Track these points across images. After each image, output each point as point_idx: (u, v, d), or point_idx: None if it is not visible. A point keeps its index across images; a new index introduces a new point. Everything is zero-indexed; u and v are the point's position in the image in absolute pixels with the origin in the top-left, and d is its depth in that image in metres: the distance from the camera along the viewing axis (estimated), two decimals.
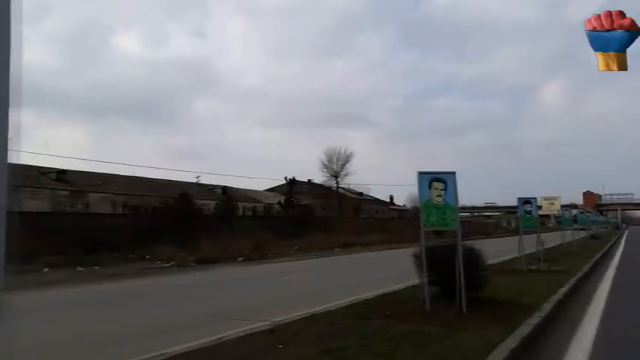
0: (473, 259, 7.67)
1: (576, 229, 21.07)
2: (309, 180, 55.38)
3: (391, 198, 71.37)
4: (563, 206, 25.36)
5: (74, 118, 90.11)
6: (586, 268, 13.18)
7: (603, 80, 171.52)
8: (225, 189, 41.44)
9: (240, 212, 40.69)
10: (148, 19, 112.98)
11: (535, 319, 6.23)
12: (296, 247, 28.61)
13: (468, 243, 8.39)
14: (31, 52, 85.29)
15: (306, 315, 6.62)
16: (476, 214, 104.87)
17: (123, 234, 24.61)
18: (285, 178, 37.11)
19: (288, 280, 13.64)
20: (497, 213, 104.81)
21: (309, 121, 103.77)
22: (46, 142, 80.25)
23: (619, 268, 14.07)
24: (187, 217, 26.86)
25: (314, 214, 39.00)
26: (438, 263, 7.50)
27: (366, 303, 7.67)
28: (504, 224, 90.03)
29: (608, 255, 19.62)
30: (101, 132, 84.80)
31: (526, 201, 12.39)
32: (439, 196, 7.02)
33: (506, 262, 14.19)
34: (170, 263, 19.45)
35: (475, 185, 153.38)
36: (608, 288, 9.73)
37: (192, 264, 19.08)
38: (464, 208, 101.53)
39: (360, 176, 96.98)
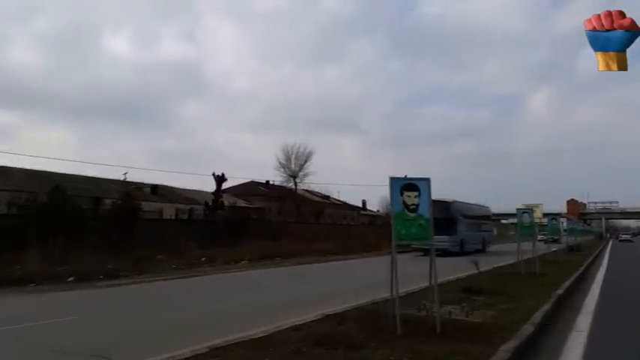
0: None
1: (542, 240, 14.38)
2: (267, 181, 48.74)
3: (364, 203, 64.61)
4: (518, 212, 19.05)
5: (62, 119, 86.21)
6: (535, 319, 6.54)
7: (589, 90, 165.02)
8: (155, 188, 34.69)
9: (173, 215, 34.06)
10: (138, 21, 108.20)
11: None
12: (203, 259, 21.99)
13: None
14: (20, 53, 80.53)
15: None
16: None
17: None
18: (213, 175, 30.28)
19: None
20: None
21: (297, 126, 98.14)
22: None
23: (599, 318, 7.38)
24: (58, 219, 20.17)
25: (250, 218, 32.28)
26: None
27: None
28: None
29: (583, 280, 12.92)
30: (88, 134, 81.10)
31: (409, 186, 5.78)
32: None
33: (376, 303, 7.46)
34: None
35: (462, 193, 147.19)
36: None
37: None
38: None
39: (354, 183, 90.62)
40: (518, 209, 12.84)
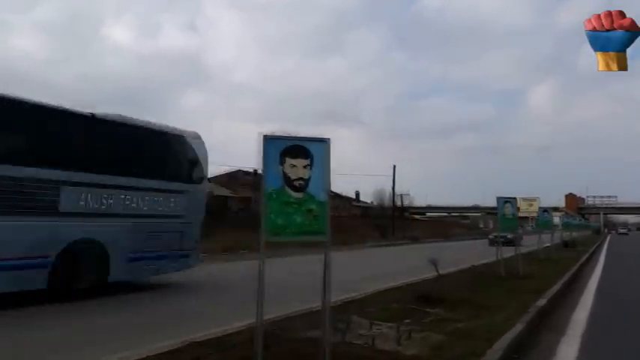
0: None
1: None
2: (255, 170, 46.54)
3: (357, 194, 62.61)
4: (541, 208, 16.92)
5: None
6: (494, 352, 4.41)
7: (590, 85, 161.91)
8: None
9: None
10: (139, 10, 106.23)
11: None
12: None
13: None
14: (20, 42, 78.55)
15: None
16: (454, 214, 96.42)
17: None
18: None
19: None
20: (478, 214, 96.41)
21: (300, 118, 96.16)
22: None
23: (590, 346, 5.25)
24: None
25: (228, 208, 30.29)
26: None
27: None
28: (481, 225, 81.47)
29: (574, 283, 10.80)
30: None
31: (295, 151, 3.67)
32: None
33: (276, 322, 5.38)
34: None
35: (461, 188, 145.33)
36: None
37: None
38: (442, 208, 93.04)
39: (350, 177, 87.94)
40: (498, 198, 10.68)
